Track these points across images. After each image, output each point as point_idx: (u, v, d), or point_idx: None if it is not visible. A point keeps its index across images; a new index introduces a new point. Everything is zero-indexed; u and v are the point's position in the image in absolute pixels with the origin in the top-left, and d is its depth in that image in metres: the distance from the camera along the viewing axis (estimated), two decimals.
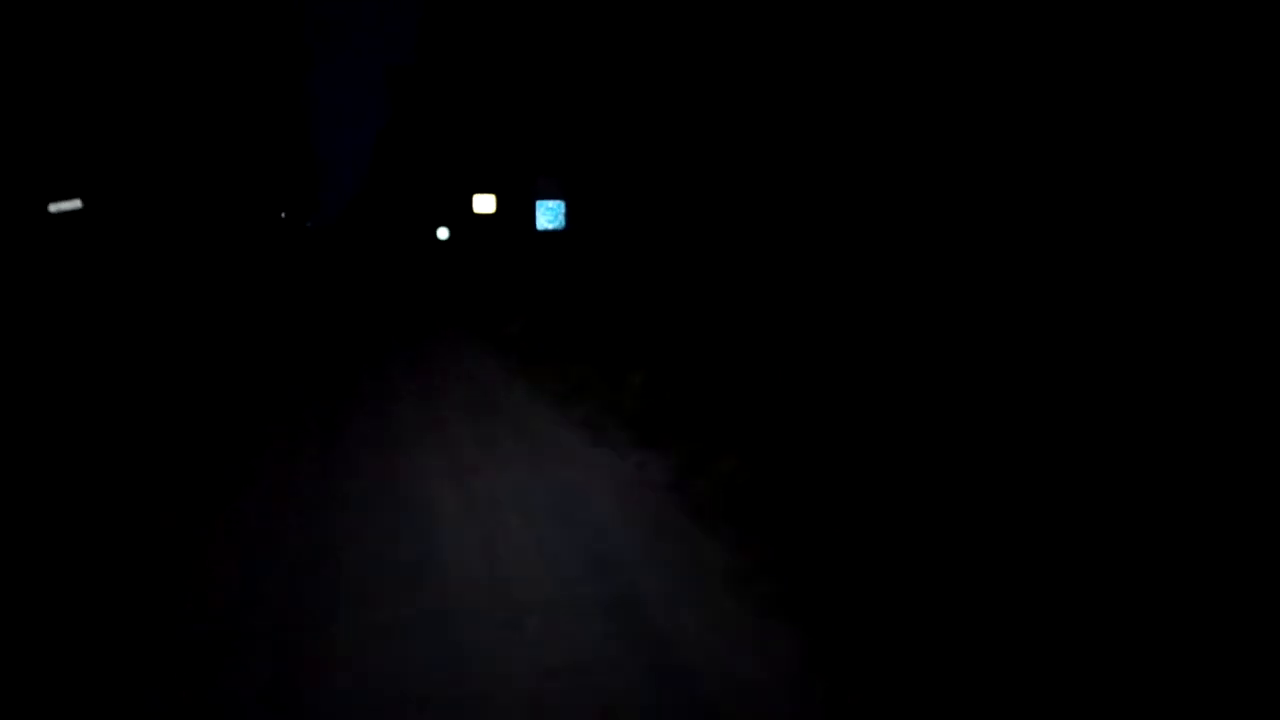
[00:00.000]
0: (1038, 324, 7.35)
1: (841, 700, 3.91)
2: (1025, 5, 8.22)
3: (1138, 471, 5.49)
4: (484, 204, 32.03)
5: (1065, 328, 7.08)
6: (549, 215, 31.96)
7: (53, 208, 17.41)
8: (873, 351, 8.84)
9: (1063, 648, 4.13)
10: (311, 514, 6.39)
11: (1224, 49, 6.40)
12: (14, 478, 7.58)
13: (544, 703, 3.85)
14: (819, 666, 4.17)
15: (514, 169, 36.80)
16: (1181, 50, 6.73)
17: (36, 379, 12.46)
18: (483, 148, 42.50)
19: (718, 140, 15.98)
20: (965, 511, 5.72)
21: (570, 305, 17.67)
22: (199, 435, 9.01)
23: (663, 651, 4.30)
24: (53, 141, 19.94)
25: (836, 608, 4.74)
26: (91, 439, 8.89)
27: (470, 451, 8.11)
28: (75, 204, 17.57)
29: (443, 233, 48.65)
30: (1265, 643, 3.86)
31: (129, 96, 25.42)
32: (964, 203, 8.66)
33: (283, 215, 41.66)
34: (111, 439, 8.86)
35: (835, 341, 9.47)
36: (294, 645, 4.42)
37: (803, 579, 5.12)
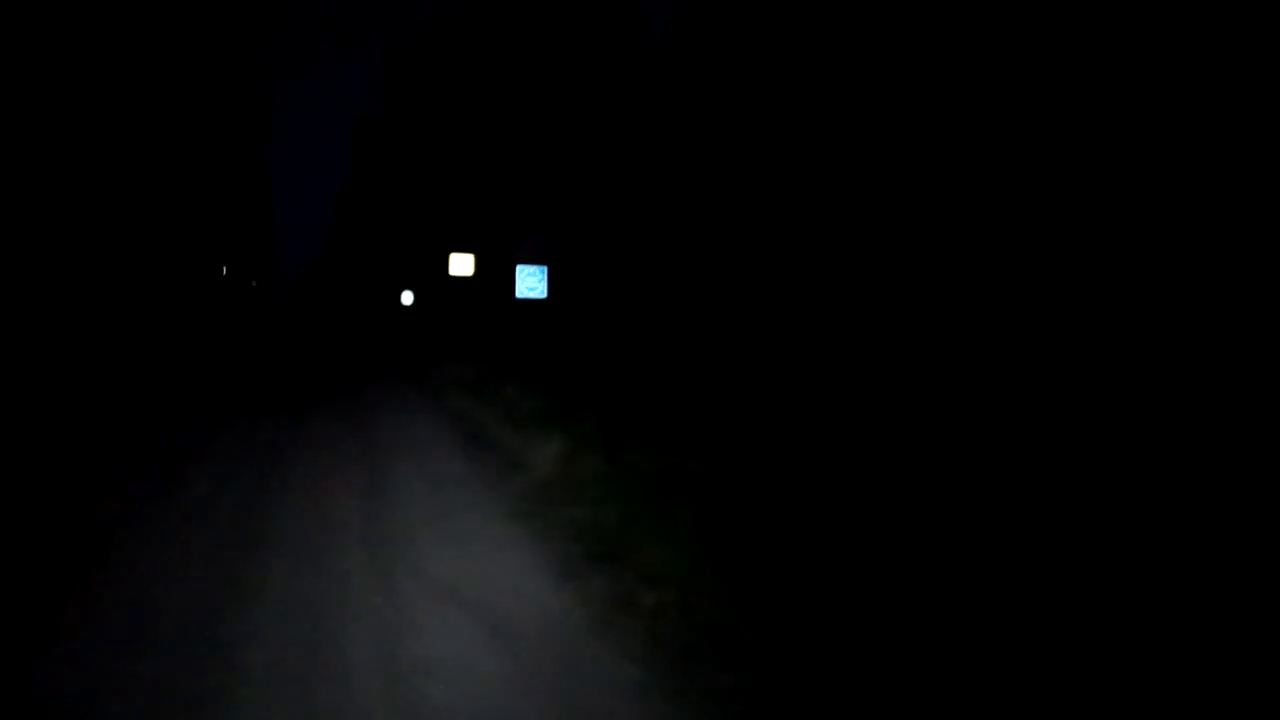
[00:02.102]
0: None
1: None
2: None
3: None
4: (461, 265, 28.59)
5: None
6: (531, 282, 29.21)
7: None
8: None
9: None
10: None
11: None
12: None
13: None
14: None
15: (490, 230, 33.85)
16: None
17: None
18: (456, 206, 39.60)
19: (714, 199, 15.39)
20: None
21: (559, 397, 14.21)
22: None
23: None
24: None
25: None
26: None
27: None
28: None
29: (407, 297, 45.12)
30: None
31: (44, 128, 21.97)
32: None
33: (224, 271, 37.75)
34: None
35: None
36: None
37: None
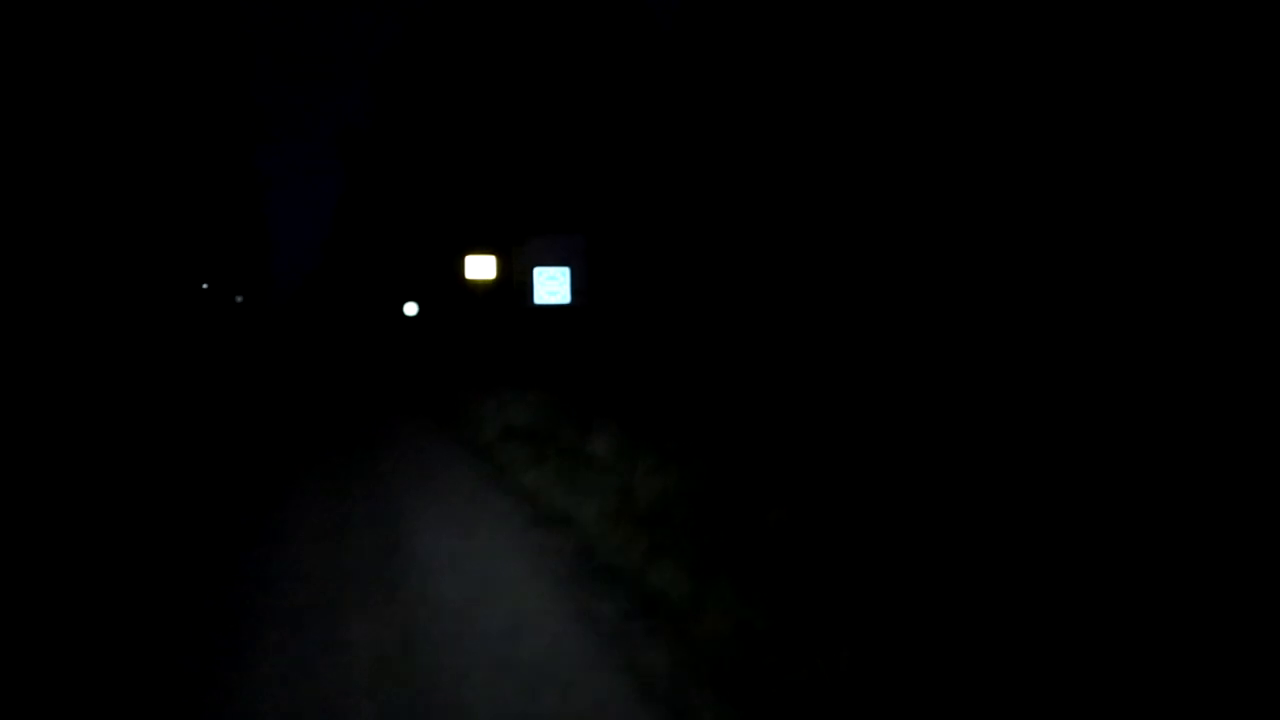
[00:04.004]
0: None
1: None
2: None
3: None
4: (480, 268, 23.75)
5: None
6: (551, 285, 25.22)
7: None
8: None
9: None
10: None
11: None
12: None
13: None
14: None
15: (501, 232, 29.80)
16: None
17: None
18: (461, 208, 35.31)
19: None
20: None
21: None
22: None
23: None
24: None
25: None
26: None
27: None
28: None
29: (410, 308, 40.32)
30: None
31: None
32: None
33: (204, 287, 32.77)
34: None
35: None
36: None
37: None
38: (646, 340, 19.30)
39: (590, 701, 3.92)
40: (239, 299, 43.58)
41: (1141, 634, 4.03)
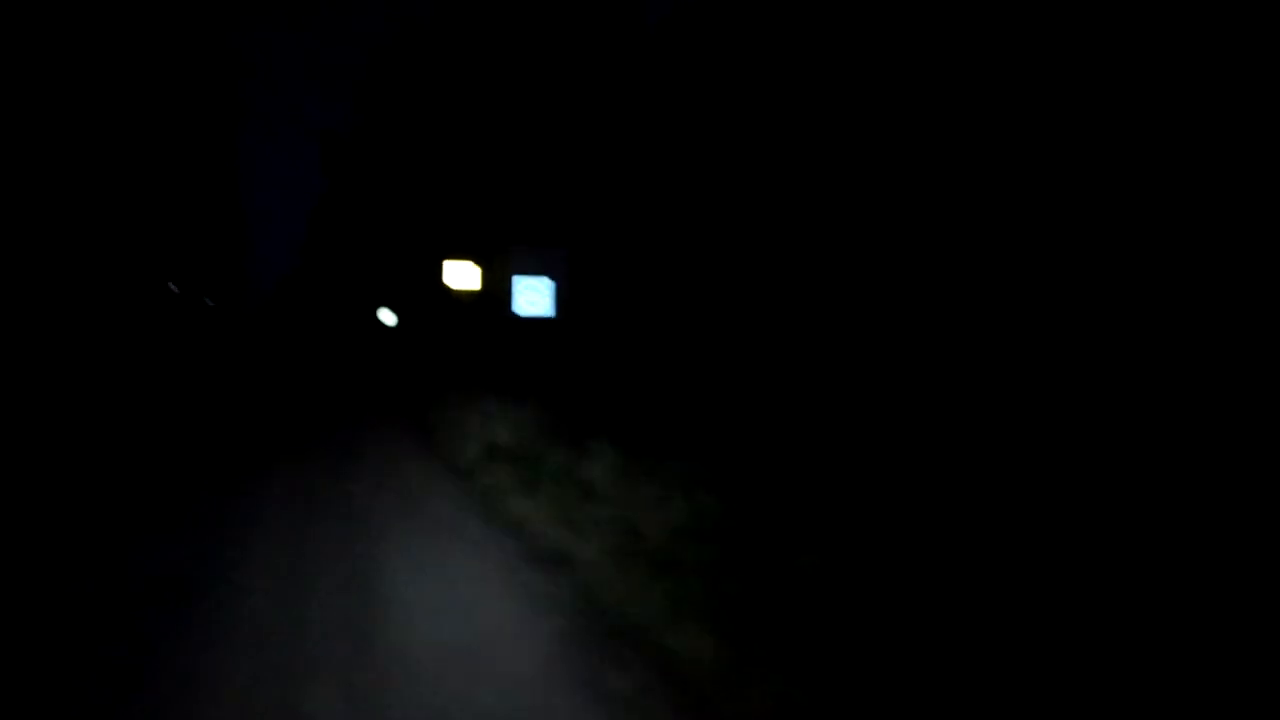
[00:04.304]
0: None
1: None
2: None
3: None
4: (461, 275, 22.80)
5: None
6: (532, 296, 24.27)
7: None
8: None
9: None
10: None
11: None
12: None
13: None
14: None
15: (480, 240, 28.95)
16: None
17: None
18: (440, 214, 34.39)
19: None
20: None
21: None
22: None
23: None
24: None
25: None
26: None
27: None
28: None
29: (388, 317, 39.24)
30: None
31: None
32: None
33: (172, 287, 31.43)
34: None
35: None
36: None
37: None
38: (637, 355, 18.42)
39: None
40: (210, 302, 42.12)
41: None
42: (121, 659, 4.35)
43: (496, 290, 25.62)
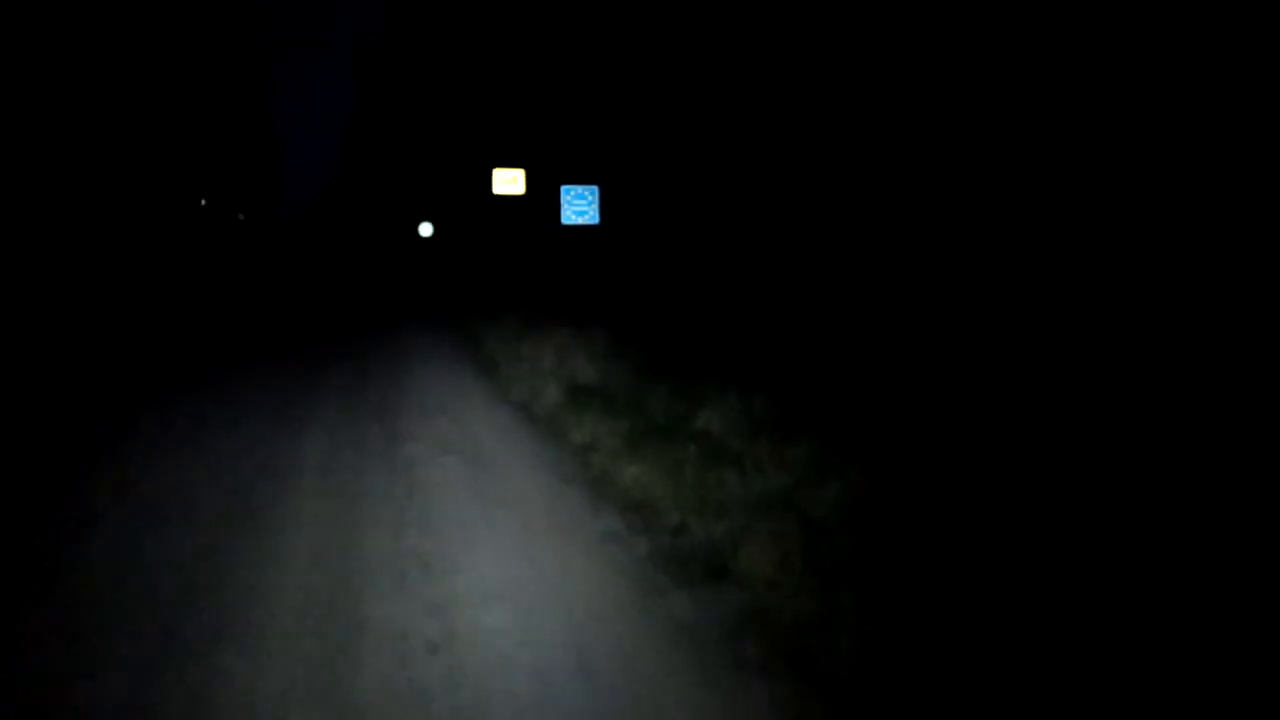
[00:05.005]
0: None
1: None
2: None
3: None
4: (507, 182, 20.73)
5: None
6: (580, 205, 22.56)
7: None
8: None
9: None
10: None
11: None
12: None
13: None
14: None
15: (525, 149, 26.90)
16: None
17: None
18: (480, 125, 32.28)
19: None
20: None
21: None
22: None
23: None
24: None
25: None
26: None
27: None
28: None
29: (425, 229, 37.32)
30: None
31: None
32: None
33: (203, 203, 29.56)
34: None
35: None
36: None
37: None
38: (716, 271, 16.36)
39: None
40: (241, 217, 40.16)
41: None
42: None
43: (543, 198, 23.77)
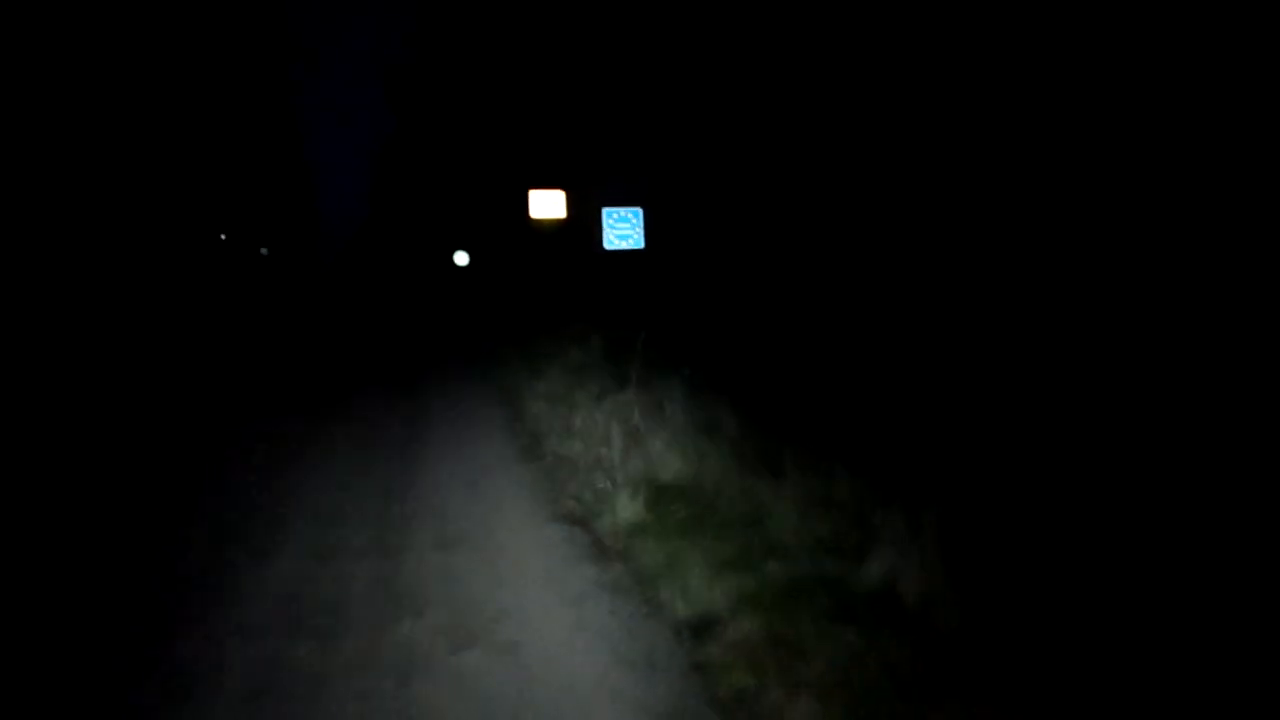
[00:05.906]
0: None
1: None
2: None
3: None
4: (546, 204, 18.72)
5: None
6: (623, 229, 19.86)
7: None
8: None
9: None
10: None
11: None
12: None
13: None
14: None
15: (567, 172, 25.05)
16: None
17: None
18: (516, 147, 30.65)
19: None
20: None
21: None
22: None
23: None
24: None
25: None
26: None
27: None
28: None
29: (461, 257, 35.37)
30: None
31: None
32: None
33: (222, 237, 27.85)
34: None
35: None
36: None
37: None
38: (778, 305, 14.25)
39: None
40: (264, 251, 38.26)
41: None
42: None
43: (583, 222, 21.90)
